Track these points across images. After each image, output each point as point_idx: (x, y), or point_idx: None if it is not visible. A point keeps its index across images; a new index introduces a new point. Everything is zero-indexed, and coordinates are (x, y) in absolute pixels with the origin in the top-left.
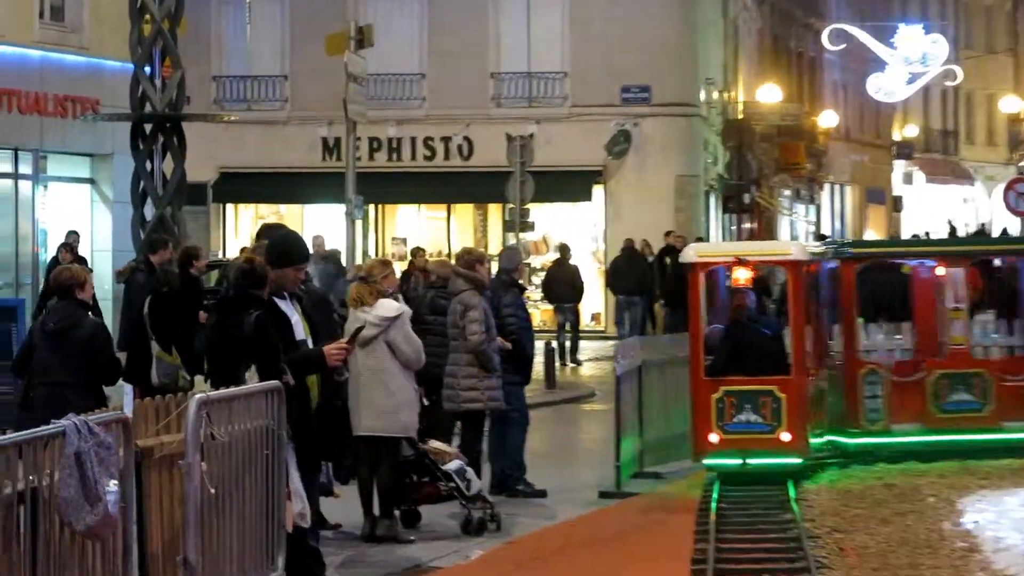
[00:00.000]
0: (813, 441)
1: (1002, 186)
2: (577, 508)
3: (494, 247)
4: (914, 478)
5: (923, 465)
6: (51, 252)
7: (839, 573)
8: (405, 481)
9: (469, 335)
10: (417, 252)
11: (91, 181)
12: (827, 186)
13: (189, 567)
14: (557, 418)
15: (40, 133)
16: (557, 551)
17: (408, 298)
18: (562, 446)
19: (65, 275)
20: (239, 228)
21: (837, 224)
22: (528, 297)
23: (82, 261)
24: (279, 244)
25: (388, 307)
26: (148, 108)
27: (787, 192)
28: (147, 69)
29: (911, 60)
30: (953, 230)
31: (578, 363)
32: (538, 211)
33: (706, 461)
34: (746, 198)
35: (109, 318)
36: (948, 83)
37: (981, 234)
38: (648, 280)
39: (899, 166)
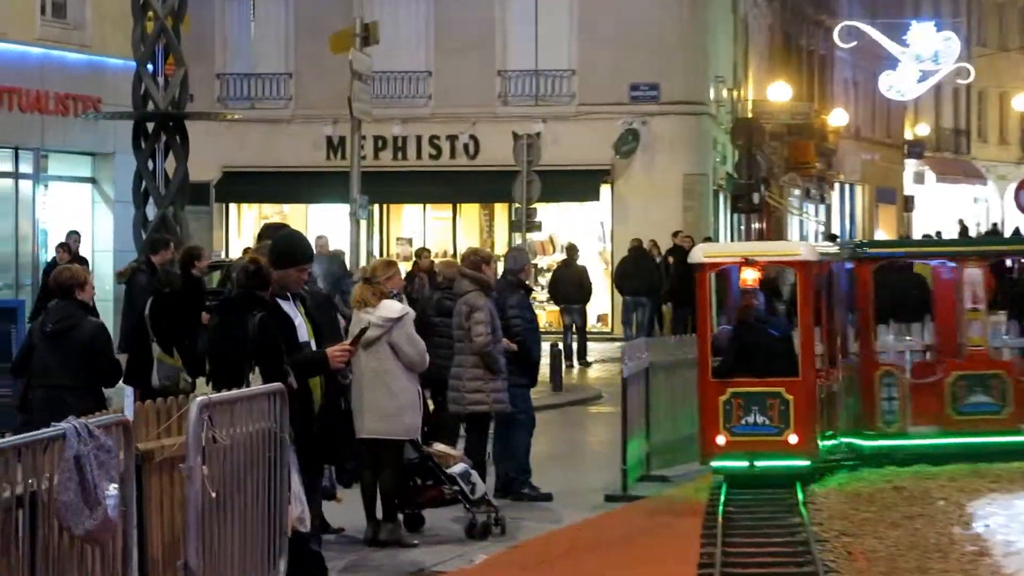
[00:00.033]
0: (826, 443)
1: (1014, 186)
2: (583, 512)
3: (500, 247)
4: (924, 481)
5: (933, 468)
6: (52, 252)
7: None
8: (409, 484)
9: (474, 336)
10: (422, 253)
11: (92, 180)
12: (837, 185)
13: (190, 572)
14: (563, 420)
15: (41, 132)
16: (563, 555)
17: (412, 299)
18: (568, 449)
19: (65, 275)
20: (242, 228)
21: (847, 224)
22: (534, 298)
23: (83, 261)
24: (281, 244)
25: (391, 308)
26: (150, 106)
27: (797, 191)
28: (150, 67)
29: (923, 58)
30: (964, 230)
31: (587, 364)
32: (545, 211)
33: (713, 463)
34: (755, 197)
35: (110, 319)
36: (960, 81)
37: (994, 234)
38: (656, 281)
39: (910, 165)
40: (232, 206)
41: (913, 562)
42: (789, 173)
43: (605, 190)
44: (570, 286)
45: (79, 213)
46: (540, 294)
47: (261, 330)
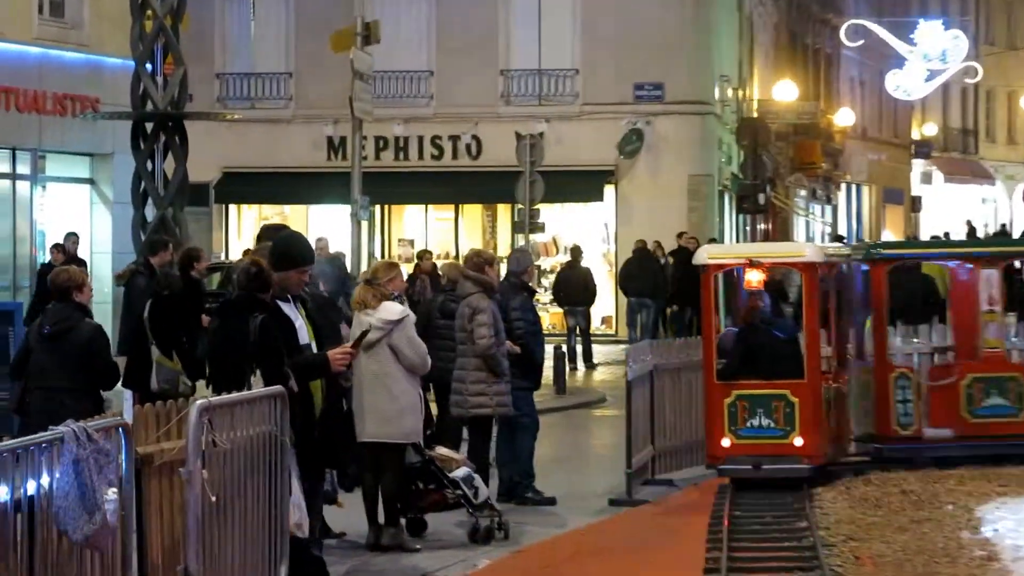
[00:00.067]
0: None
1: (1023, 186)
2: (587, 516)
3: (503, 248)
4: (932, 485)
5: (941, 472)
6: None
7: None
8: (411, 488)
9: (477, 339)
10: (424, 255)
11: (91, 181)
12: (844, 186)
13: None
14: (567, 424)
15: (39, 132)
16: (567, 560)
17: (413, 302)
18: (572, 452)
19: (63, 277)
20: (242, 229)
21: (854, 225)
22: (537, 300)
23: (81, 263)
24: (281, 246)
25: (391, 310)
26: (149, 106)
27: (803, 192)
28: (148, 66)
29: (930, 57)
30: (972, 231)
31: (593, 366)
32: (548, 212)
33: (719, 467)
34: (761, 198)
35: (109, 322)
36: (968, 80)
37: (1002, 235)
38: (661, 282)
39: (917, 165)
40: (232, 207)
41: (921, 567)
42: (795, 173)
43: (609, 191)
44: (575, 288)
45: (77, 214)
46: (543, 296)
47: (262, 332)
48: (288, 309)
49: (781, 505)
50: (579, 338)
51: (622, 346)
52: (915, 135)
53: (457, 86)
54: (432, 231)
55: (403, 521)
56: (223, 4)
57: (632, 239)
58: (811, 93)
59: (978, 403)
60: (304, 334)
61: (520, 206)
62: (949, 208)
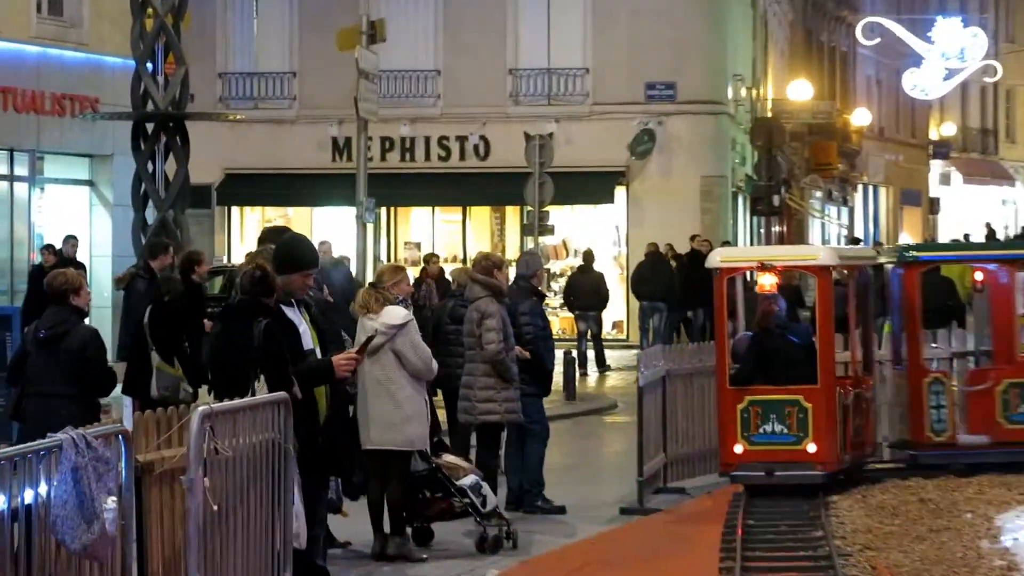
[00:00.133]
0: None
1: None
2: (597, 525)
3: (512, 251)
4: (950, 493)
5: (960, 480)
6: None
7: None
8: (417, 497)
9: (486, 344)
10: (431, 258)
11: (90, 183)
12: (860, 187)
13: None
14: (577, 431)
15: (37, 133)
16: (576, 570)
17: (419, 306)
18: (582, 460)
19: (59, 280)
20: (244, 232)
21: (871, 227)
22: (547, 304)
23: (80, 266)
24: (285, 248)
25: (395, 315)
26: (150, 107)
27: (818, 193)
28: (149, 66)
29: (949, 55)
30: (992, 233)
31: (607, 369)
32: (558, 214)
33: (731, 473)
34: (775, 200)
35: (108, 326)
36: (987, 79)
37: None
38: (674, 286)
39: (936, 166)
40: (234, 209)
41: None
42: (810, 174)
43: (620, 192)
44: (587, 293)
45: (76, 217)
46: (553, 300)
47: (266, 337)
48: (292, 313)
49: (796, 513)
50: (590, 343)
51: (634, 351)
52: (933, 135)
53: (465, 86)
54: (439, 234)
55: (409, 530)
56: (225, 2)
57: (644, 242)
58: (827, 92)
59: (1014, 409)
60: (308, 339)
61: (529, 208)
62: (968, 210)
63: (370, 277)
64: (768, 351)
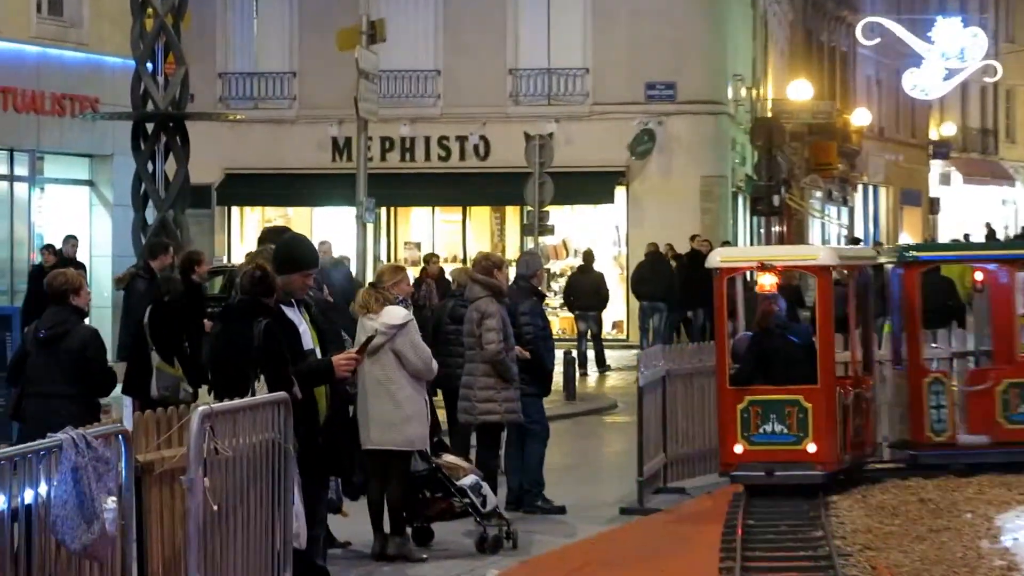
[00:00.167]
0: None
1: None
2: (597, 525)
3: (512, 251)
4: (950, 493)
5: (960, 480)
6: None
7: None
8: (417, 497)
9: (486, 344)
10: (431, 258)
11: (90, 183)
12: (860, 187)
13: None
14: (577, 431)
15: (37, 133)
16: (576, 570)
17: (419, 306)
18: (582, 460)
19: (59, 280)
20: (244, 232)
21: (871, 227)
22: (547, 304)
23: (80, 266)
24: (285, 248)
25: (394, 314)
26: (150, 107)
27: (818, 194)
28: (149, 66)
29: (949, 55)
30: (992, 233)
31: (608, 369)
32: (558, 214)
33: (731, 473)
34: (775, 200)
35: (108, 326)
36: (987, 79)
37: None
38: (673, 286)
39: (936, 166)
40: (234, 209)
41: None
42: (810, 174)
43: (620, 192)
44: (587, 293)
45: (76, 217)
46: (553, 300)
47: (266, 337)
48: (292, 313)
49: (796, 513)
50: (590, 343)
51: (634, 351)
52: (933, 135)
53: (465, 86)
54: (439, 234)
55: (409, 530)
56: (225, 2)
57: (644, 242)
58: (827, 92)
59: (1014, 409)
60: (308, 339)
61: (529, 208)
62: (968, 210)
63: (370, 277)
64: (768, 351)
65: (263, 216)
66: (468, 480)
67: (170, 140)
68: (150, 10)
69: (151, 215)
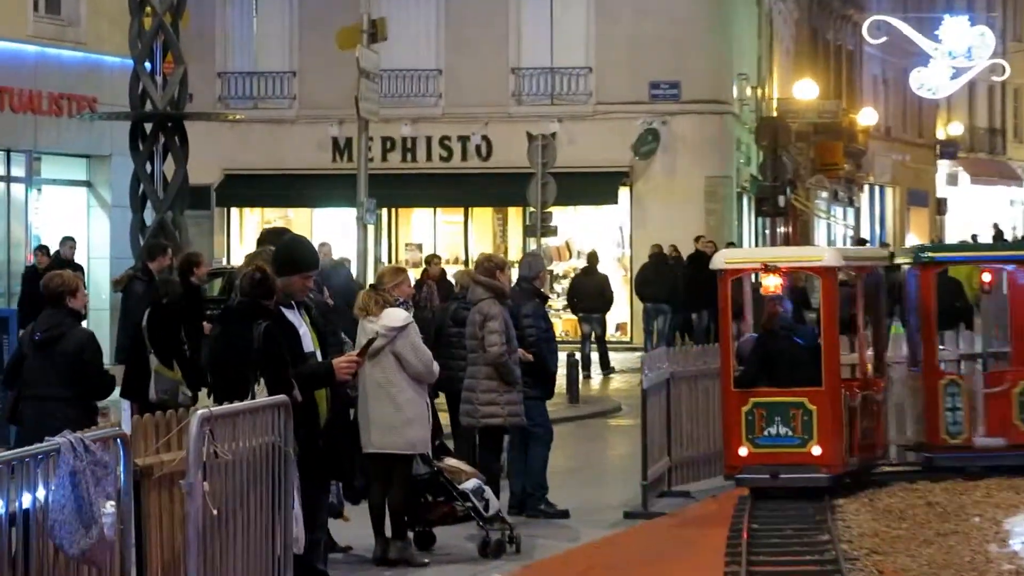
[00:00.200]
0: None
1: None
2: (601, 529)
3: (514, 253)
4: (958, 497)
5: (967, 483)
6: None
7: None
8: (419, 501)
9: (488, 346)
10: (432, 260)
11: (88, 184)
12: (867, 188)
13: None
14: (581, 434)
15: (34, 133)
16: (580, 574)
17: (420, 308)
18: (586, 463)
19: (56, 282)
20: (244, 233)
21: (877, 228)
22: (550, 306)
23: (77, 268)
24: (284, 250)
25: (394, 317)
26: (148, 106)
27: (824, 194)
28: (147, 65)
29: (956, 54)
30: (1000, 234)
31: (612, 371)
32: (561, 215)
33: (736, 476)
34: (781, 200)
35: (106, 329)
36: (995, 78)
37: None
38: (677, 287)
39: (943, 166)
40: (234, 210)
41: None
42: (816, 175)
43: (624, 193)
44: (591, 295)
45: (74, 218)
46: (556, 302)
47: (266, 340)
48: (292, 316)
49: (802, 517)
50: (594, 345)
51: (638, 353)
52: (940, 135)
53: (466, 85)
54: (441, 235)
55: (411, 534)
56: (224, 1)
57: (648, 243)
58: (833, 92)
59: None
60: (308, 341)
61: (532, 209)
62: (975, 210)
63: (371, 279)
64: (773, 353)
65: (263, 217)
66: (470, 484)
67: (169, 140)
68: (148, 9)
69: (149, 216)
